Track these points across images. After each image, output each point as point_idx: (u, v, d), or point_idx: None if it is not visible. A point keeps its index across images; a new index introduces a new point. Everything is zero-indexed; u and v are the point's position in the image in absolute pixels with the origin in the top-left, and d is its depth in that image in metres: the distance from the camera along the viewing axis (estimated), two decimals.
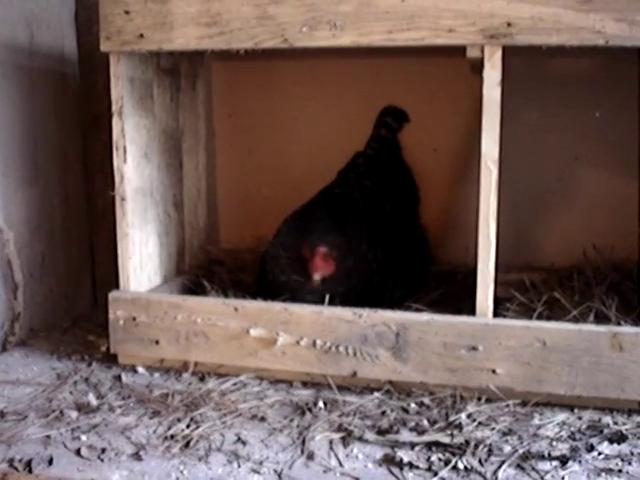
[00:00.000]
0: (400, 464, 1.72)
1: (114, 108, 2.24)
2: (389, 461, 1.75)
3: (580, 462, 1.71)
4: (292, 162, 3.04)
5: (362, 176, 2.69)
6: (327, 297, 2.25)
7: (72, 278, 2.98)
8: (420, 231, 2.77)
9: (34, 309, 2.72)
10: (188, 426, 1.89)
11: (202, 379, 2.23)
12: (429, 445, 1.80)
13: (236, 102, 3.05)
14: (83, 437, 1.86)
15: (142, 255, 2.42)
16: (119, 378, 2.24)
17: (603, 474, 1.67)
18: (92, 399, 2.04)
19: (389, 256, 2.43)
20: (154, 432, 1.88)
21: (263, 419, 1.95)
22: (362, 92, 2.90)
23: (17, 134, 2.61)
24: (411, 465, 1.71)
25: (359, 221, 2.45)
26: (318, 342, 2.13)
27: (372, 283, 2.38)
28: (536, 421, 1.91)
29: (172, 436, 1.84)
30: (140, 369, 2.31)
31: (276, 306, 2.19)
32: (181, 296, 2.38)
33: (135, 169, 2.34)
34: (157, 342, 2.26)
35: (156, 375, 2.28)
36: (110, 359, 2.39)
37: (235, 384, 2.17)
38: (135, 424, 1.92)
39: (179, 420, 1.92)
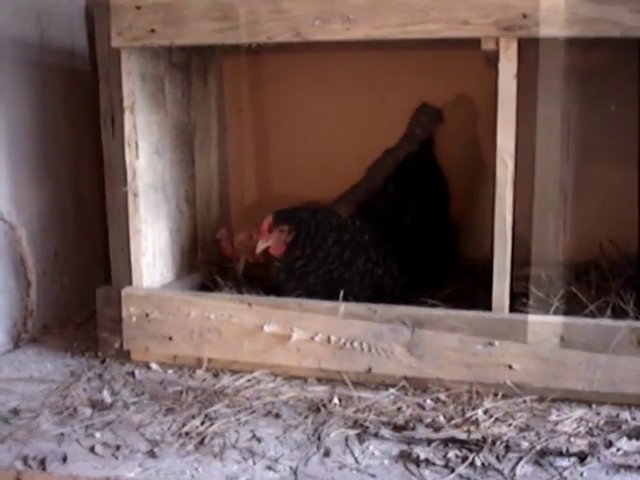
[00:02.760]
0: (417, 461, 1.70)
1: (125, 104, 2.23)
2: (405, 458, 1.73)
3: (598, 458, 1.69)
4: (303, 158, 2.99)
5: (388, 180, 2.67)
6: (342, 293, 2.21)
7: (85, 274, 2.95)
8: (447, 234, 2.70)
9: (47, 306, 2.71)
10: (202, 423, 1.88)
11: (216, 375, 2.22)
12: (446, 441, 1.78)
13: (247, 96, 3.01)
14: (97, 434, 1.85)
15: (155, 251, 2.41)
16: (133, 374, 2.24)
17: (622, 470, 1.65)
18: (106, 396, 2.04)
19: (406, 269, 2.40)
20: (168, 429, 1.87)
21: (278, 416, 1.93)
22: (375, 86, 2.86)
23: (28, 130, 2.59)
24: (428, 462, 1.70)
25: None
26: (332, 338, 2.11)
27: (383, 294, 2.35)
28: (553, 417, 1.89)
29: (186, 433, 1.83)
30: (153, 365, 2.30)
31: (290, 302, 2.18)
32: (194, 292, 2.38)
33: (147, 165, 2.33)
34: (170, 338, 2.25)
35: (170, 372, 2.27)
36: (123, 356, 2.37)
37: (249, 380, 2.16)
38: (149, 421, 1.91)
39: (193, 417, 1.91)
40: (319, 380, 2.18)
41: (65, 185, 2.80)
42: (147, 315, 2.26)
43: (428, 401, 1.99)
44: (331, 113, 2.94)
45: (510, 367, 1.99)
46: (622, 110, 2.62)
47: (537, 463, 1.69)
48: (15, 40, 2.52)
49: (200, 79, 2.72)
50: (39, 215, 2.67)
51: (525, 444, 1.74)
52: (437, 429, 1.83)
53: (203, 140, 2.76)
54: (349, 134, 2.90)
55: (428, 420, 1.88)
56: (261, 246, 2.35)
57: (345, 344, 2.10)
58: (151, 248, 2.38)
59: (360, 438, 1.83)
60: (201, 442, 1.81)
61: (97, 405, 2.01)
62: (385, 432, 1.84)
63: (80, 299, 2.91)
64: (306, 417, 1.94)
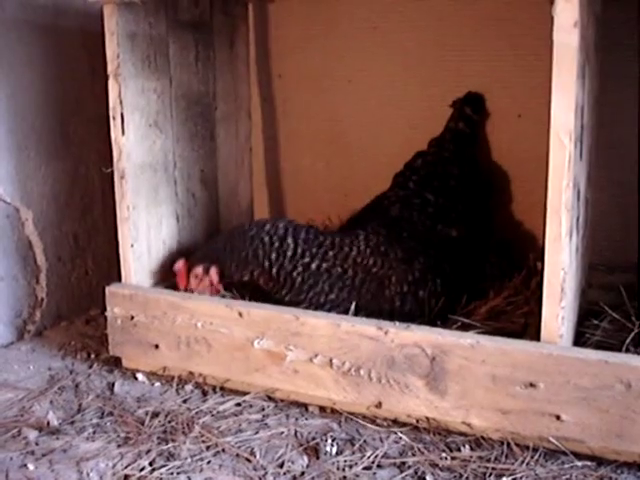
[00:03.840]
0: None
1: (109, 69, 1.88)
2: None
3: None
4: (353, 128, 2.59)
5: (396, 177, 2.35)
6: (353, 305, 1.88)
7: (113, 261, 2.52)
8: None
9: (61, 294, 2.45)
10: (152, 463, 1.52)
11: (204, 394, 1.87)
12: None
13: (285, 60, 2.62)
14: (31, 466, 1.54)
15: (151, 242, 2.07)
16: (112, 387, 1.92)
17: None
18: (52, 418, 1.73)
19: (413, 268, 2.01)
20: (113, 467, 1.53)
21: (248, 460, 1.54)
22: (431, 43, 2.41)
23: (40, 101, 2.31)
24: None
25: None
26: (335, 362, 1.70)
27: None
28: None
29: (126, 477, 1.48)
30: (140, 376, 1.97)
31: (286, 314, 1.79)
32: (181, 293, 1.99)
33: (140, 141, 1.98)
34: (157, 346, 1.92)
35: (157, 385, 1.94)
36: (115, 360, 2.07)
37: (238, 404, 1.79)
38: (96, 453, 1.58)
39: (147, 452, 1.56)
40: (322, 409, 1.77)
41: (90, 160, 2.48)
42: (132, 318, 1.93)
43: (443, 455, 1.54)
44: (379, 79, 2.52)
45: (557, 418, 1.51)
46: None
47: None
48: (25, 2, 2.22)
49: (225, 40, 2.33)
50: (53, 195, 2.39)
51: None
52: None
53: (228, 111, 2.38)
54: (400, 104, 2.48)
55: None
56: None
57: (350, 370, 1.67)
58: (145, 238, 2.04)
59: None
60: None
61: (44, 428, 1.70)
62: None
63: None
64: (283, 464, 1.53)
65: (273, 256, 1.97)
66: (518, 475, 1.46)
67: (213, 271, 2.02)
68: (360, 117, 2.56)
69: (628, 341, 1.70)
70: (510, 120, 2.35)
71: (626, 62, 2.16)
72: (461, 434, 1.63)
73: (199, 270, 2.02)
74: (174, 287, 2.10)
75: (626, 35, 2.14)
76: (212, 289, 2.03)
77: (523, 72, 2.28)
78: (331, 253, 1.98)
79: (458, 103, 2.38)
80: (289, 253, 1.98)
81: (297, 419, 1.74)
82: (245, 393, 1.85)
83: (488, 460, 1.53)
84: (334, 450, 1.60)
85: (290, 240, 2.01)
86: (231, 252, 2.03)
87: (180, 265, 2.03)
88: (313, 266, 1.97)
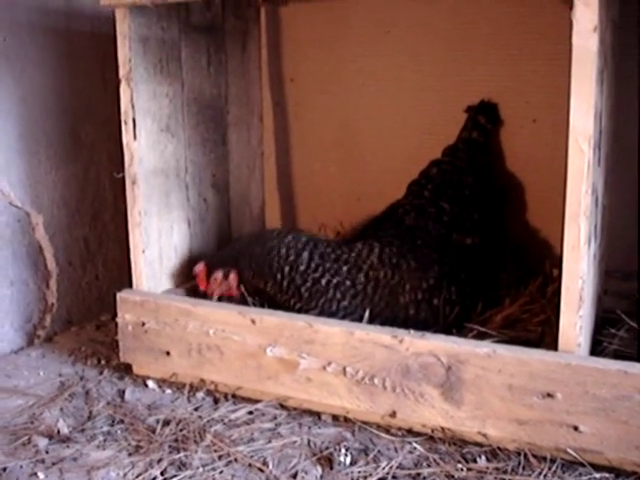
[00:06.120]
0: None
1: (121, 73, 1.86)
2: None
3: None
4: (367, 133, 2.55)
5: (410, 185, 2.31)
6: (367, 312, 1.85)
7: (124, 266, 2.48)
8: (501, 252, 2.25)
9: (72, 299, 2.44)
10: (163, 473, 1.50)
11: (216, 402, 1.85)
12: None
13: (297, 64, 2.59)
14: (41, 475, 1.53)
15: (162, 248, 2.06)
16: (122, 394, 1.90)
17: None
18: (63, 426, 1.71)
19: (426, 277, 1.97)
20: (123, 476, 1.51)
21: (261, 470, 1.52)
22: (444, 47, 2.37)
23: (52, 105, 2.30)
24: None
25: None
26: (349, 370, 1.68)
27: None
28: None
29: None
30: (151, 383, 1.96)
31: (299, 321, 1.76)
32: (193, 300, 1.97)
33: (152, 145, 1.97)
34: (168, 353, 1.92)
35: (167, 392, 1.92)
36: (126, 367, 2.05)
37: (250, 412, 1.78)
38: (107, 462, 1.56)
39: (158, 461, 1.54)
40: (335, 418, 1.75)
41: (101, 165, 2.48)
42: (143, 324, 1.92)
43: (459, 467, 1.51)
44: (391, 83, 2.49)
45: (575, 428, 1.48)
46: None
47: None
48: (37, 5, 2.22)
49: (237, 44, 2.32)
50: (64, 199, 2.39)
51: None
52: None
53: (240, 115, 2.37)
54: (413, 109, 2.44)
55: None
56: (215, 298, 2.08)
57: (364, 379, 1.65)
58: (157, 244, 2.02)
59: None
60: None
61: (55, 436, 1.68)
62: None
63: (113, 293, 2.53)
64: (296, 475, 1.50)
65: (286, 270, 1.96)
66: None
67: (232, 277, 2.04)
68: (373, 121, 2.52)
69: None
70: (525, 125, 2.29)
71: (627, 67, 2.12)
72: (477, 444, 1.60)
73: (219, 275, 2.05)
74: (188, 292, 2.10)
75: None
76: (230, 293, 2.02)
77: (538, 76, 2.22)
78: (345, 268, 1.94)
79: (472, 111, 2.32)
80: (302, 267, 1.96)
81: (310, 428, 1.72)
82: (257, 401, 1.83)
83: (505, 471, 1.50)
84: (348, 460, 1.57)
85: (306, 254, 1.99)
86: (250, 259, 2.02)
87: (200, 268, 2.04)
88: (323, 281, 1.93)
